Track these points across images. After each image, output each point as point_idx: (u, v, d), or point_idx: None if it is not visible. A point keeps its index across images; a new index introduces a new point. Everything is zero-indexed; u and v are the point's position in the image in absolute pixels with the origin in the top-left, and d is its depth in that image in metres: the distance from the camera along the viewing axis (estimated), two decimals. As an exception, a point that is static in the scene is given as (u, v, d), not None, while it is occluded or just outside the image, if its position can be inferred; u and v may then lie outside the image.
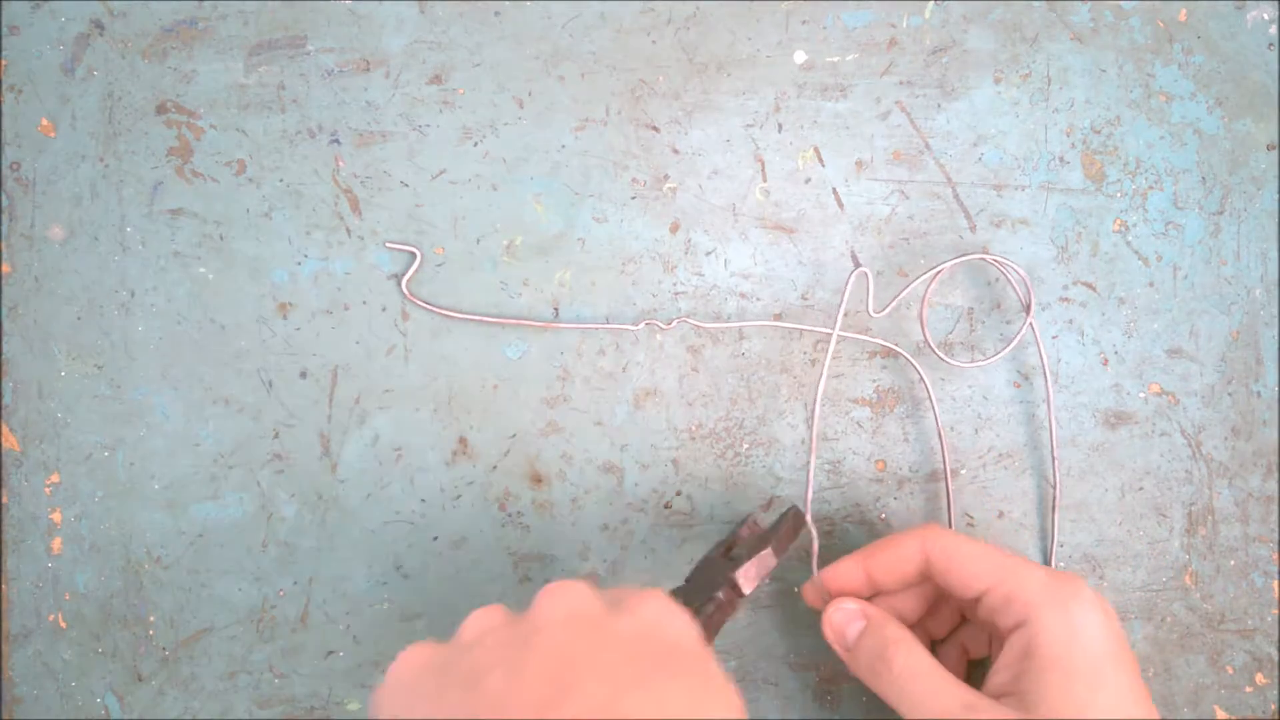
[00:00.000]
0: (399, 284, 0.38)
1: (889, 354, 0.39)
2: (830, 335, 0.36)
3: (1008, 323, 0.39)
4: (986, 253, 0.39)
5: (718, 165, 0.39)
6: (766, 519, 0.37)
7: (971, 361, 0.39)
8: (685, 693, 0.25)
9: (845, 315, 0.39)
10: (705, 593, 0.33)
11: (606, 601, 0.28)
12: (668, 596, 0.29)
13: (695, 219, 0.39)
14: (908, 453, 0.39)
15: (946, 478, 0.39)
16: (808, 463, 0.35)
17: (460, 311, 0.38)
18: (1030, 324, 0.38)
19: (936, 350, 0.38)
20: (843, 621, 0.34)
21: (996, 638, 0.34)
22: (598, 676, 0.24)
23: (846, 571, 0.35)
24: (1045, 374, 0.39)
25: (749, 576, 0.33)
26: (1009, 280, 0.39)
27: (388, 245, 0.37)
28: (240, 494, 0.38)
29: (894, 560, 0.34)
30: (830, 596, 0.35)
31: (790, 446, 0.39)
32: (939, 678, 0.31)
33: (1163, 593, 0.40)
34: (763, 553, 0.33)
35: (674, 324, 0.35)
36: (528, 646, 0.25)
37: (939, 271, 0.37)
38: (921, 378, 0.39)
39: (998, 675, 0.32)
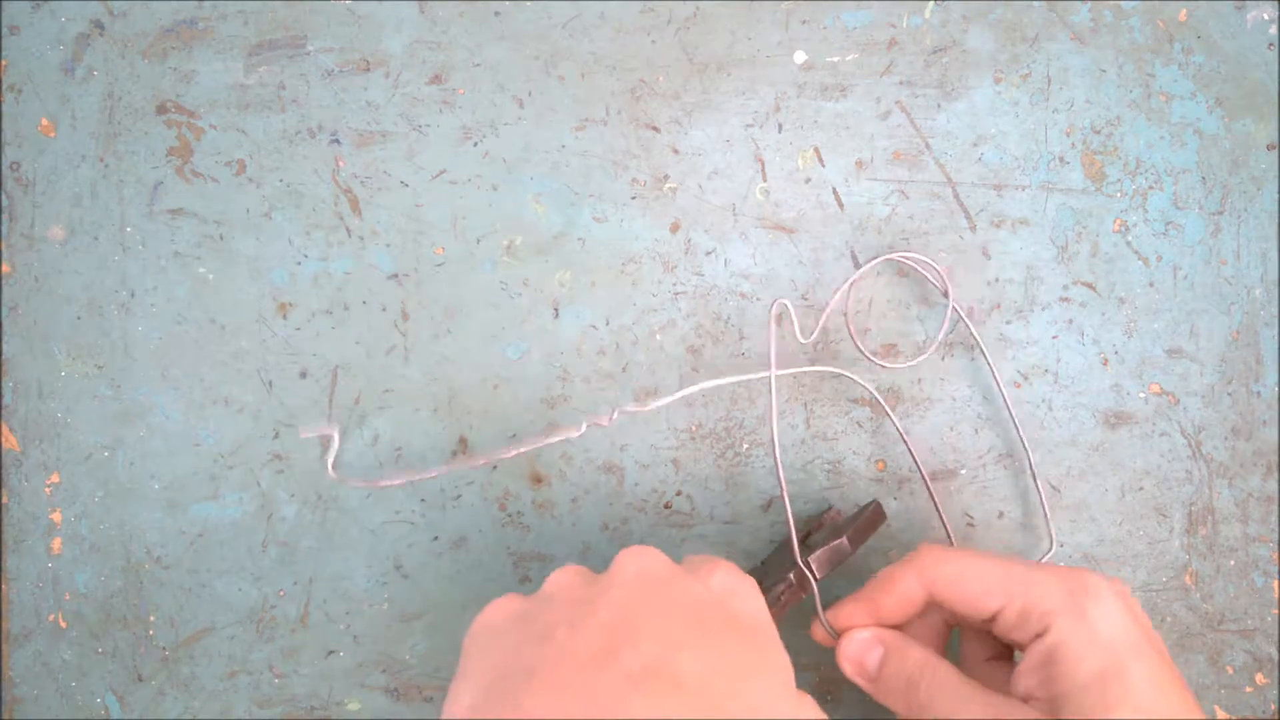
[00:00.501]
0: (325, 464, 0.37)
1: (888, 354, 0.39)
2: (768, 378, 0.35)
3: (1007, 323, 0.39)
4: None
5: (718, 165, 0.39)
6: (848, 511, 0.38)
7: (919, 357, 0.39)
8: (736, 656, 0.25)
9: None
10: (777, 574, 0.34)
11: (681, 567, 0.29)
12: (739, 569, 0.29)
13: (695, 219, 0.39)
14: (908, 453, 0.39)
15: (924, 477, 0.39)
16: (789, 488, 0.35)
17: (392, 476, 0.38)
18: (953, 309, 0.38)
19: (867, 353, 0.38)
20: (859, 652, 0.33)
21: (1014, 646, 0.33)
22: (654, 634, 0.25)
23: (852, 614, 0.33)
24: (985, 355, 0.39)
25: (821, 562, 0.33)
26: (924, 274, 0.39)
27: (302, 434, 0.36)
28: (240, 494, 0.38)
29: (897, 600, 0.33)
30: (839, 632, 0.34)
31: (790, 446, 0.39)
32: (970, 692, 0.30)
33: (1163, 593, 0.40)
34: (837, 541, 0.34)
35: (615, 415, 0.36)
36: (595, 603, 0.26)
37: (854, 281, 0.37)
38: (867, 388, 0.39)
39: (1022, 680, 0.31)
